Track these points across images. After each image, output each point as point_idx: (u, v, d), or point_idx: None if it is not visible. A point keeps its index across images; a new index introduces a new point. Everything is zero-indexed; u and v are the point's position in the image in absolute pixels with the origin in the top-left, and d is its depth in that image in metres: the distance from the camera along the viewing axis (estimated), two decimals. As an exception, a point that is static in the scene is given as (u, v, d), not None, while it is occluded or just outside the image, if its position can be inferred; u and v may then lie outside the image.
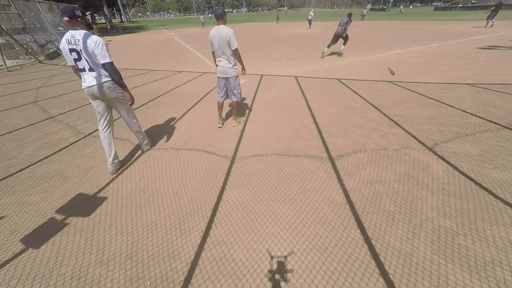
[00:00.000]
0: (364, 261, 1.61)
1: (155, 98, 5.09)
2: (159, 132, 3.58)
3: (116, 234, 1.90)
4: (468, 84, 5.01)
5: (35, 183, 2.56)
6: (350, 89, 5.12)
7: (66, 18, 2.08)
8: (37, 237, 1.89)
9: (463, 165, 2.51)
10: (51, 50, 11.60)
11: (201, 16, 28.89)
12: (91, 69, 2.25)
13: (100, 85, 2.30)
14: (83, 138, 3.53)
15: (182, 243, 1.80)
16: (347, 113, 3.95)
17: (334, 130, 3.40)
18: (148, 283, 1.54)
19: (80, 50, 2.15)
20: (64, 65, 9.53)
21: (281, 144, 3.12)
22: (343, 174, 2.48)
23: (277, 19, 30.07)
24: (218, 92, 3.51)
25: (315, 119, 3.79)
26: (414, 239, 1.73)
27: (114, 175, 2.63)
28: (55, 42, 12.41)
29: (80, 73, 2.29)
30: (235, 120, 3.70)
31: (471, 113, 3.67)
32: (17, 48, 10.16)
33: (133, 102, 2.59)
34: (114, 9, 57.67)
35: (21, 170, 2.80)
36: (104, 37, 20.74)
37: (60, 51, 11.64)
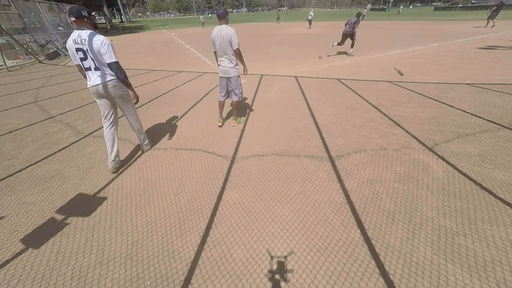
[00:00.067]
0: (364, 261, 1.61)
1: (155, 98, 5.09)
2: (159, 132, 3.58)
3: (116, 234, 1.90)
4: (468, 84, 5.01)
5: (35, 183, 2.56)
6: (350, 89, 5.12)
7: (73, 18, 2.13)
8: (37, 237, 1.89)
9: (463, 165, 2.51)
10: (51, 50, 11.60)
11: (201, 16, 28.87)
12: (96, 68, 2.30)
13: (104, 84, 2.36)
14: (83, 138, 3.53)
15: (182, 243, 1.80)
16: (347, 113, 3.95)
17: (334, 130, 3.40)
18: (148, 283, 1.54)
19: (87, 49, 2.20)
20: (64, 65, 9.53)
21: (281, 144, 3.12)
22: (343, 174, 2.48)
23: (278, 19, 30.01)
24: (220, 92, 3.52)
25: (315, 119, 3.79)
26: (414, 239, 1.73)
27: (114, 175, 2.64)
28: (55, 42, 12.40)
29: (86, 72, 2.35)
30: (235, 120, 3.70)
31: (471, 113, 3.67)
32: (17, 48, 10.16)
33: (137, 101, 2.62)
34: (114, 9, 57.68)
35: (21, 170, 2.80)
36: (104, 37, 20.71)
37: (60, 50, 11.70)
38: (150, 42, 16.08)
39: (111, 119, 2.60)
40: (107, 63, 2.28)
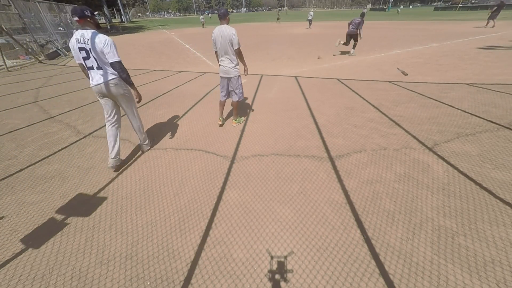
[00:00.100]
0: (364, 261, 1.61)
1: (155, 98, 5.09)
2: (159, 132, 3.58)
3: (116, 234, 1.90)
4: (468, 84, 5.01)
5: (35, 183, 2.56)
6: (350, 89, 5.12)
7: (76, 18, 2.16)
8: (37, 237, 1.89)
9: (463, 165, 2.51)
10: (51, 50, 11.60)
11: (201, 16, 28.86)
12: (99, 67, 2.33)
13: (106, 83, 2.39)
14: (83, 138, 3.53)
15: (182, 243, 1.80)
16: (347, 113, 3.95)
17: (334, 130, 3.40)
18: (148, 283, 1.54)
19: (90, 49, 2.22)
20: (64, 65, 9.53)
21: (281, 144, 3.12)
22: (343, 174, 2.48)
23: (278, 19, 29.95)
24: (221, 91, 3.53)
25: (315, 119, 3.79)
26: (414, 239, 1.73)
27: (114, 175, 2.64)
28: (55, 42, 12.40)
29: (88, 71, 2.38)
30: (235, 120, 3.70)
31: (471, 113, 3.67)
32: (17, 48, 10.16)
33: (140, 99, 2.64)
34: (114, 9, 57.67)
35: (21, 170, 2.80)
36: (104, 37, 20.72)
37: (60, 50, 11.69)
38: (150, 42, 16.08)
39: (114, 118, 2.64)
40: (110, 63, 2.31)
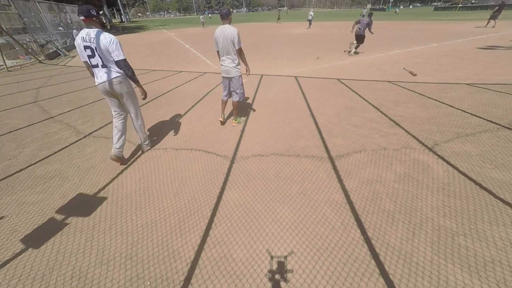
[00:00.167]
0: (364, 261, 1.61)
1: (155, 98, 5.09)
2: (159, 132, 3.58)
3: (116, 234, 1.90)
4: (468, 84, 5.01)
5: (35, 183, 2.56)
6: (350, 89, 5.12)
7: (82, 17, 2.22)
8: (37, 237, 1.89)
9: (463, 165, 2.51)
10: (51, 50, 11.60)
11: (201, 16, 28.86)
12: (103, 66, 2.38)
13: (110, 81, 2.44)
14: (83, 138, 3.53)
15: (182, 243, 1.80)
16: (347, 113, 3.95)
17: (334, 130, 3.40)
18: (148, 283, 1.54)
19: (95, 47, 2.28)
20: (64, 65, 9.54)
21: (281, 144, 3.12)
22: (343, 174, 2.48)
23: (278, 19, 29.90)
24: (223, 90, 3.56)
25: (315, 119, 3.79)
26: (414, 239, 1.73)
27: (114, 175, 2.63)
28: (55, 42, 12.40)
29: (93, 69, 2.43)
30: (235, 120, 3.70)
31: (471, 113, 3.67)
32: (17, 48, 10.16)
33: (146, 96, 2.70)
34: (114, 9, 57.68)
35: (21, 170, 2.80)
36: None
37: (60, 50, 11.69)
38: (150, 42, 16.08)
39: (122, 114, 2.75)
40: (116, 61, 2.36)
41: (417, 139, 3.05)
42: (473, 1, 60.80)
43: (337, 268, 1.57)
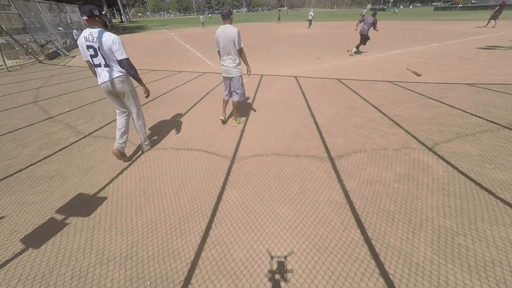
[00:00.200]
0: (364, 261, 1.61)
1: (155, 98, 5.09)
2: (159, 132, 3.58)
3: (116, 234, 1.90)
4: (468, 84, 5.01)
5: (35, 183, 2.56)
6: (350, 89, 5.12)
7: (85, 17, 2.26)
8: (37, 237, 1.89)
9: (463, 165, 2.51)
10: (51, 50, 11.60)
11: (201, 16, 28.84)
12: (106, 65, 2.41)
13: (112, 81, 2.47)
14: (83, 138, 3.53)
15: (182, 243, 1.80)
16: (347, 113, 3.95)
17: (334, 130, 3.40)
18: (148, 283, 1.54)
19: (98, 47, 2.30)
20: (64, 65, 9.54)
21: (281, 144, 3.12)
22: (343, 174, 2.48)
23: (278, 19, 29.86)
24: (224, 90, 3.58)
25: (315, 119, 3.79)
26: (414, 239, 1.73)
27: (114, 175, 2.63)
28: (55, 42, 12.40)
29: (95, 68, 2.46)
30: (235, 120, 3.70)
31: (471, 113, 3.67)
32: (17, 48, 10.16)
33: (148, 94, 2.73)
34: (114, 9, 57.68)
35: (21, 170, 2.80)
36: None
37: (60, 50, 11.69)
38: (150, 42, 16.08)
39: (125, 112, 2.80)
40: (119, 60, 2.39)
41: (417, 139, 3.05)
42: (473, 1, 60.76)
43: (337, 268, 1.57)
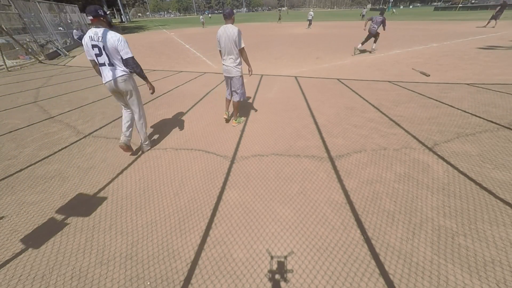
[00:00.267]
0: (364, 261, 1.61)
1: (155, 98, 5.09)
2: (159, 132, 3.58)
3: (116, 234, 1.90)
4: (468, 84, 5.01)
5: (35, 183, 2.56)
6: (350, 89, 5.12)
7: (90, 17, 2.30)
8: (37, 237, 1.89)
9: (463, 165, 2.51)
10: (51, 50, 11.60)
11: (201, 16, 28.82)
12: (110, 64, 2.45)
13: (115, 80, 2.51)
14: (83, 138, 3.53)
15: (182, 243, 1.80)
16: (347, 113, 3.95)
17: (334, 130, 3.40)
18: (148, 283, 1.54)
19: (103, 46, 2.34)
20: (64, 65, 9.54)
21: (281, 144, 3.12)
22: (343, 174, 2.48)
23: (279, 19, 29.80)
24: (226, 89, 3.60)
25: (315, 119, 3.79)
26: (414, 239, 1.73)
27: (114, 175, 2.64)
28: (55, 42, 12.40)
29: (100, 67, 2.49)
30: (235, 120, 3.70)
31: (471, 113, 3.67)
32: (17, 48, 10.16)
33: (154, 91, 2.79)
34: (114, 9, 57.66)
35: (21, 170, 2.80)
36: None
37: (60, 50, 11.68)
38: (150, 42, 16.07)
39: (130, 109, 2.86)
40: (124, 59, 2.43)
41: (417, 139, 3.05)
42: (473, 1, 60.73)
43: (337, 268, 1.57)
